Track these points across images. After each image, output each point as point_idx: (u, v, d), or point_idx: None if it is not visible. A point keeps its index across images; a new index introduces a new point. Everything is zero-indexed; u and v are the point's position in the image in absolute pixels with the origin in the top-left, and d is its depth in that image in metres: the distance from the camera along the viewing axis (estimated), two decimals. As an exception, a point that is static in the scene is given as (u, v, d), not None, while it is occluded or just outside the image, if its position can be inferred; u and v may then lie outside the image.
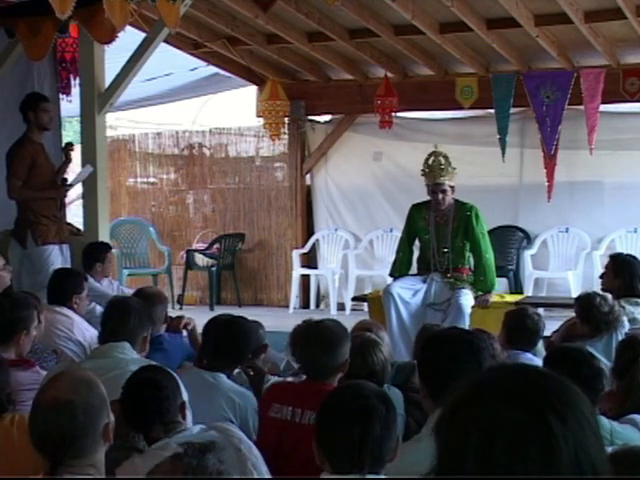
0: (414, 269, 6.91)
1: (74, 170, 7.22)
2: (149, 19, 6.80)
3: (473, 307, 6.45)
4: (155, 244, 10.98)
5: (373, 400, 2.49)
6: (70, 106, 7.95)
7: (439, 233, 6.64)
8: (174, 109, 13.31)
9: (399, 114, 9.27)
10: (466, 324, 6.13)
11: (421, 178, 6.71)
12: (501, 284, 8.26)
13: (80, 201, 7.89)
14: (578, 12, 7.28)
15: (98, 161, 6.94)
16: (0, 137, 7.02)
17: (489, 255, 6.59)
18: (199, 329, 4.54)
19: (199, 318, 4.99)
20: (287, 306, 10.18)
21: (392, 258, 7.13)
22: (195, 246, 10.98)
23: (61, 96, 7.98)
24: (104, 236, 7.02)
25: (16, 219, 6.70)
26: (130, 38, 6.65)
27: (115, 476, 2.65)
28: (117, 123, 13.44)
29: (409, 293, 6.55)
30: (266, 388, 3.86)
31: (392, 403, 2.58)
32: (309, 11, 7.82)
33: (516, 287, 9.25)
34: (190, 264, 10.64)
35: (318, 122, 10.50)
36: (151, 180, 11.71)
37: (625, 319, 5.03)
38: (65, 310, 5.07)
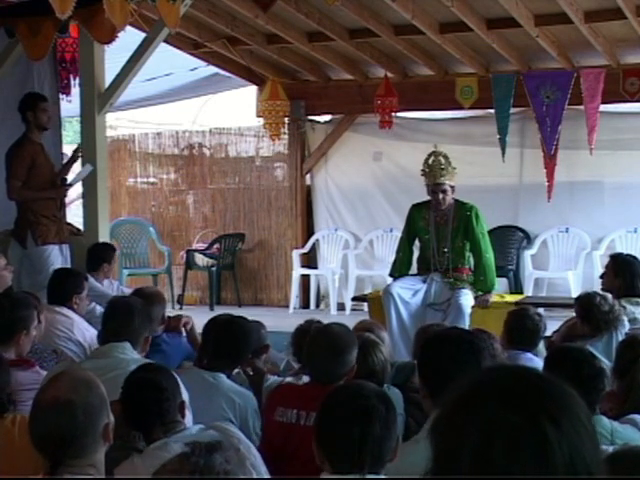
0: (414, 269, 6.91)
1: (74, 170, 7.22)
2: (149, 19, 6.80)
3: (473, 307, 6.45)
4: (155, 244, 10.98)
5: (373, 400, 2.48)
6: (70, 106, 7.95)
7: (439, 233, 6.63)
8: (174, 109, 13.31)
9: (399, 114, 9.26)
10: (466, 324, 6.12)
11: (421, 178, 6.71)
12: (501, 284, 8.26)
13: (80, 201, 7.88)
14: (578, 12, 7.28)
15: (98, 161, 6.94)
16: (0, 137, 7.03)
17: (489, 255, 6.58)
18: (199, 329, 4.53)
19: (199, 318, 4.98)
20: (287, 306, 10.18)
21: (392, 258, 7.13)
22: (195, 246, 10.97)
23: (61, 96, 7.98)
24: (104, 236, 7.02)
25: (16, 219, 6.70)
26: (130, 38, 6.65)
27: (114, 476, 2.66)
28: (117, 123, 13.43)
29: (409, 293, 6.54)
30: (269, 390, 3.85)
31: (392, 403, 2.58)
32: (309, 11, 7.82)
33: (516, 287, 9.24)
34: (190, 264, 10.63)
35: (318, 122, 10.50)
36: (151, 180, 11.71)
37: (625, 319, 5.03)
38: (65, 310, 5.06)
